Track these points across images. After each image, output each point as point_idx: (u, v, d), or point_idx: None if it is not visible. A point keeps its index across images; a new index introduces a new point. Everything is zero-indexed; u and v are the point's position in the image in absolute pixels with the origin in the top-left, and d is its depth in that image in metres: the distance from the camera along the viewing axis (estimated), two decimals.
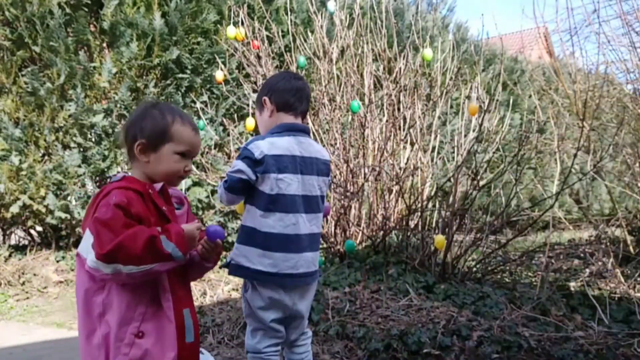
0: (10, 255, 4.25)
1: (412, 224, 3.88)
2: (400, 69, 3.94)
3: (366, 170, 3.89)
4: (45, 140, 4.17)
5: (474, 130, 3.83)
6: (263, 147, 1.61)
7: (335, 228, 4.15)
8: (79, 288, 1.28)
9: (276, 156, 1.61)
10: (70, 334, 2.89)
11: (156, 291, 1.28)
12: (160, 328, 1.26)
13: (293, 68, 4.21)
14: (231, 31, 3.62)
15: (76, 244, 4.54)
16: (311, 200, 1.68)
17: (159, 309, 1.27)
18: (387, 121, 3.99)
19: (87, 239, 1.21)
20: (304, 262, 1.66)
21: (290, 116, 1.71)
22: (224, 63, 4.52)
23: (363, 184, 3.85)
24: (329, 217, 4.09)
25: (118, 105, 4.34)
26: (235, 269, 1.67)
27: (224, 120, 4.75)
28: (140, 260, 1.18)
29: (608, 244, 3.96)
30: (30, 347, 2.70)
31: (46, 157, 4.25)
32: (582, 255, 3.87)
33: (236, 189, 1.64)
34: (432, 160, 4.17)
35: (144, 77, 4.53)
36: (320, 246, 4.62)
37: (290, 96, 1.71)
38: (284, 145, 1.64)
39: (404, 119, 3.99)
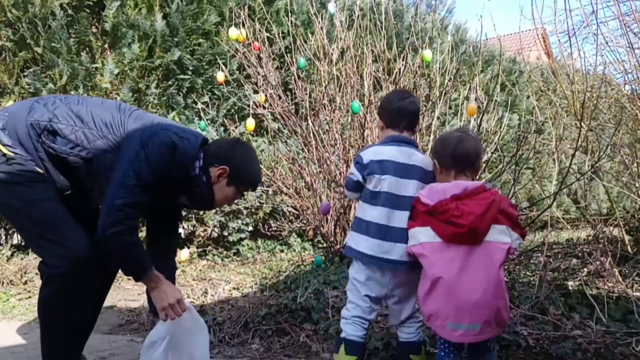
0: (12, 255, 4.28)
1: None
2: (399, 70, 3.96)
3: None
4: None
5: (472, 131, 3.86)
6: (370, 154, 1.99)
7: (335, 228, 4.18)
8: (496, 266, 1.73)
9: (379, 161, 1.96)
10: None
11: None
12: None
13: (293, 69, 4.24)
14: (233, 33, 3.65)
15: None
16: (405, 200, 1.94)
17: None
18: None
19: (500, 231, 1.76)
20: (399, 250, 1.91)
21: (396, 131, 2.06)
22: (224, 64, 4.55)
23: None
24: (328, 217, 4.12)
25: None
26: (346, 249, 2.02)
27: (225, 120, 4.78)
28: None
29: (606, 243, 3.98)
30: (32, 346, 2.71)
31: None
32: (580, 254, 3.89)
33: (350, 187, 2.04)
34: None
35: (146, 78, 4.56)
36: (321, 246, 4.66)
37: (393, 116, 2.06)
38: (387, 152, 1.99)
39: None
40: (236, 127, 4.69)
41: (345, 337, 1.95)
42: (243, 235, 5.22)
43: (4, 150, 1.85)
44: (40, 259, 1.99)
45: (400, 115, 2.05)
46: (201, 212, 4.80)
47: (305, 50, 4.33)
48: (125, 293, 3.84)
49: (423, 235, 1.78)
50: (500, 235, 1.75)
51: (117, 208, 1.81)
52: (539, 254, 3.68)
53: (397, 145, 2.01)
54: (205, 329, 2.10)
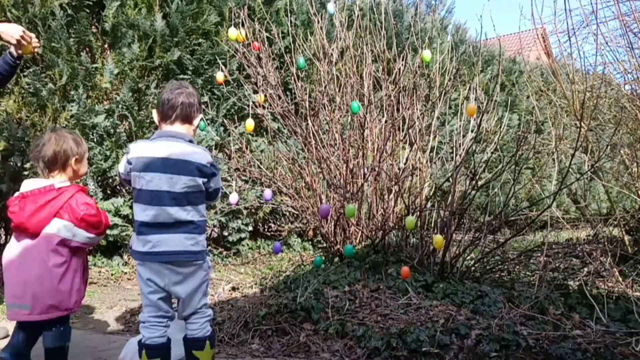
0: None
1: None
2: (399, 70, 3.96)
3: (366, 171, 3.92)
4: None
5: (472, 131, 3.86)
6: (134, 150, 1.94)
7: (335, 228, 4.18)
8: (48, 253, 2.03)
9: (139, 158, 1.91)
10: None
11: None
12: None
13: (293, 69, 4.24)
14: (232, 33, 3.65)
15: None
16: (178, 196, 1.90)
17: None
18: (386, 122, 4.02)
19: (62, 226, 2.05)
20: (169, 241, 1.90)
21: (167, 125, 2.00)
22: (224, 64, 4.55)
23: (362, 184, 3.88)
24: (328, 217, 4.12)
25: (120, 106, 4.36)
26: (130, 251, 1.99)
27: (225, 120, 4.78)
28: None
29: (606, 243, 3.99)
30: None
31: None
32: (580, 254, 3.89)
33: (122, 181, 2.04)
34: (430, 161, 4.19)
35: (146, 78, 4.55)
36: (320, 245, 4.66)
37: (165, 108, 2.00)
38: (152, 148, 1.93)
39: (403, 119, 4.02)
40: (236, 127, 4.69)
41: (145, 342, 1.91)
42: (243, 235, 5.21)
43: None
44: None
45: (169, 106, 1.99)
46: None
47: (305, 50, 4.33)
48: (125, 293, 3.83)
49: None
50: (58, 229, 2.01)
51: None
52: (539, 254, 3.68)
53: (165, 140, 1.95)
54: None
